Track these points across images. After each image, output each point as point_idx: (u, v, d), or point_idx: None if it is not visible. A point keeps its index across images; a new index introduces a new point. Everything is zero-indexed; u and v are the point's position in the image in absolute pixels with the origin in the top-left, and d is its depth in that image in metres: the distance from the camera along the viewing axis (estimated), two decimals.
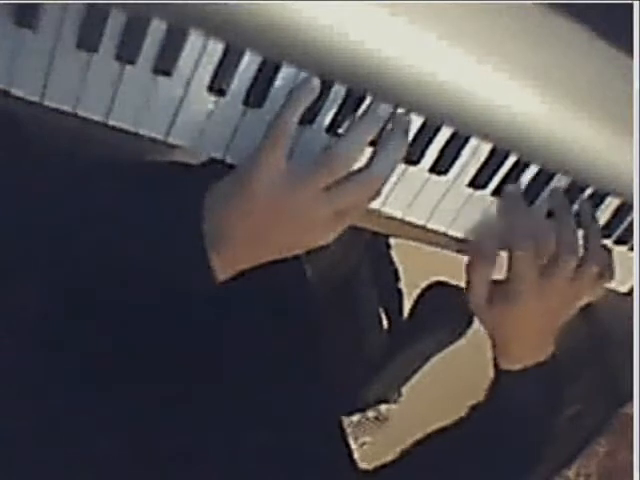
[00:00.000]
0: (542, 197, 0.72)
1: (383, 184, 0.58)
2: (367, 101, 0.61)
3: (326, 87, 0.59)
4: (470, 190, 0.69)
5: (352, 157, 0.55)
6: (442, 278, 0.90)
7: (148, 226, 0.55)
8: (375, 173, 0.56)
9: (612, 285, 0.81)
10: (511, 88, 0.34)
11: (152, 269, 0.56)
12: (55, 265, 0.56)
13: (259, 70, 0.58)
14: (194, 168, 0.62)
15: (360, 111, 0.60)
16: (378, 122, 0.56)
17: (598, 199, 0.74)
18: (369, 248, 1.12)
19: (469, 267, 0.71)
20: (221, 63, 0.56)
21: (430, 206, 0.69)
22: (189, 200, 0.56)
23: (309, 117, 0.60)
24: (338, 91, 0.60)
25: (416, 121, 0.63)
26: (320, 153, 0.55)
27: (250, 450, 0.60)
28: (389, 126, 0.58)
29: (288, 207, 0.55)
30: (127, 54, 0.54)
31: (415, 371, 0.98)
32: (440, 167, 0.67)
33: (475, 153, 0.67)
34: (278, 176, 0.54)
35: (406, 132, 0.58)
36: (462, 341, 0.90)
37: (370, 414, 1.10)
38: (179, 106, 0.58)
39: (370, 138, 0.56)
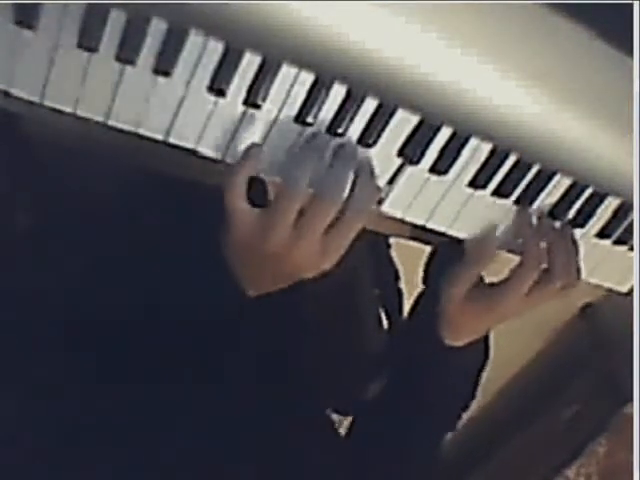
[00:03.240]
0: (541, 198, 0.72)
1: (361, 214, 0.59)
2: (367, 101, 0.61)
3: (326, 87, 0.59)
4: (470, 190, 0.69)
5: (300, 190, 0.56)
6: None
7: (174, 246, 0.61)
8: (348, 216, 0.59)
9: (612, 285, 0.81)
10: (511, 88, 0.34)
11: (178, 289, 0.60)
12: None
13: (259, 70, 0.57)
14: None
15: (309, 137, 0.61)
16: (320, 153, 0.58)
17: (598, 199, 0.74)
18: (369, 248, 1.12)
19: (464, 265, 0.71)
20: (221, 63, 0.56)
21: (430, 206, 0.69)
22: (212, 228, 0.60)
23: (310, 118, 0.60)
24: (338, 91, 0.60)
25: (416, 121, 0.63)
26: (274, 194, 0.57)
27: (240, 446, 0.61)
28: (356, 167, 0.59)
29: (268, 249, 0.57)
30: (127, 54, 0.54)
31: None
32: (440, 167, 0.67)
33: (475, 153, 0.67)
34: (249, 225, 0.57)
35: (372, 173, 0.60)
36: None
37: None
38: (179, 106, 0.58)
39: (312, 169, 0.57)
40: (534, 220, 0.72)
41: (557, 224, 0.73)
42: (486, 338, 0.77)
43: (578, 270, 0.71)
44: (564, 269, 0.69)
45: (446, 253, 0.75)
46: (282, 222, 0.56)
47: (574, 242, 0.72)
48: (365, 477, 0.75)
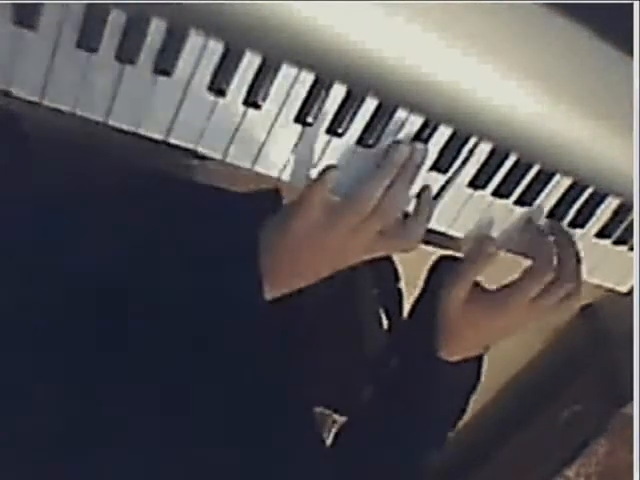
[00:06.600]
0: (541, 198, 0.72)
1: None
2: (368, 101, 0.61)
3: (326, 87, 0.59)
4: (470, 190, 0.69)
5: (372, 201, 0.61)
6: None
7: (204, 254, 0.61)
8: (406, 238, 0.65)
9: (612, 285, 0.81)
10: (511, 88, 0.34)
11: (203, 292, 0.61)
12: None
13: (259, 70, 0.58)
14: (249, 197, 0.69)
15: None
16: (395, 167, 0.62)
17: (598, 199, 0.74)
18: None
19: (462, 265, 0.71)
20: (221, 63, 0.56)
21: None
22: (248, 231, 0.63)
23: (310, 118, 0.60)
24: (338, 91, 0.60)
25: (416, 121, 0.63)
26: (346, 198, 0.62)
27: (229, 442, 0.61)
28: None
29: (324, 244, 0.62)
30: (127, 54, 0.54)
31: None
32: (440, 167, 0.67)
33: (475, 153, 0.67)
34: (316, 219, 0.61)
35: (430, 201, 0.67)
36: None
37: None
38: (179, 106, 0.58)
39: (388, 181, 0.61)
40: (546, 227, 0.72)
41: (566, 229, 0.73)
42: (480, 360, 0.75)
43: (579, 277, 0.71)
44: (572, 275, 0.69)
45: (447, 269, 0.74)
46: (351, 219, 0.61)
47: (577, 248, 0.72)
48: None
